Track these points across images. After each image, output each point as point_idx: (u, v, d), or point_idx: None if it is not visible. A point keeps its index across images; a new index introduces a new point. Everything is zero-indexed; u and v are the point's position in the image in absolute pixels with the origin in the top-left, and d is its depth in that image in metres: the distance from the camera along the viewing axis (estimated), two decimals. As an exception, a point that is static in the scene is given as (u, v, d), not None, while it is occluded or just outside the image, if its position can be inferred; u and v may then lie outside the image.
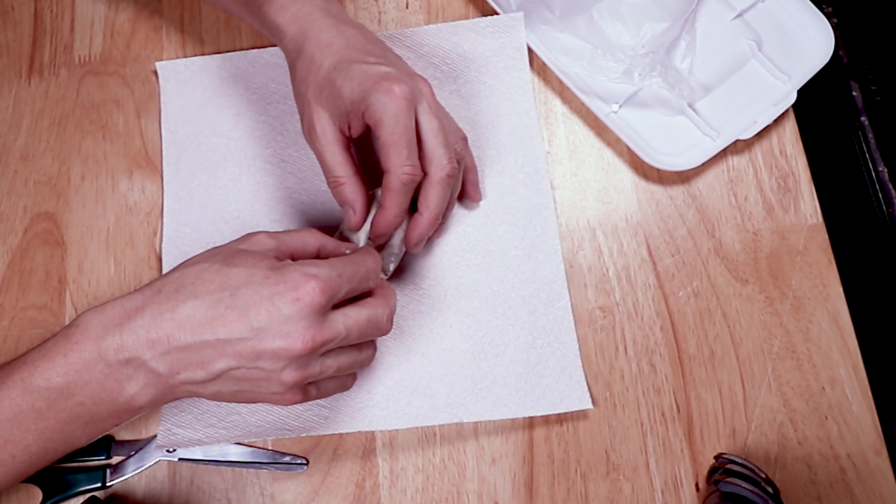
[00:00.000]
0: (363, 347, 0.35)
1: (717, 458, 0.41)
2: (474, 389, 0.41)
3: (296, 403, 0.33)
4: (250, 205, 0.44)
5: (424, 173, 0.37)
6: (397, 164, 0.36)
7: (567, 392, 0.41)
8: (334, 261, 0.33)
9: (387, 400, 0.41)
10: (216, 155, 0.45)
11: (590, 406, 0.41)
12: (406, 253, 0.41)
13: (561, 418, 0.42)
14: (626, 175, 0.47)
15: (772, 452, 0.41)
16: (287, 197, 0.45)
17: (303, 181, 0.45)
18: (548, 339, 0.42)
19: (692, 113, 0.46)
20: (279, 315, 0.30)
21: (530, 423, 0.42)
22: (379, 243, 0.40)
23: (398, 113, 0.35)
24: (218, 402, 0.41)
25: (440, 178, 0.37)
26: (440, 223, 0.40)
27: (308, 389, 0.33)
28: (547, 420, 0.42)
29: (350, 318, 0.32)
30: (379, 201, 0.39)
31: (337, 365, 0.33)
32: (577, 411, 0.42)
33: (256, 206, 0.44)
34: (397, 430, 0.42)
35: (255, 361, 0.30)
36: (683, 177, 0.47)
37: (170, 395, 0.32)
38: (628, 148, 0.46)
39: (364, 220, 0.38)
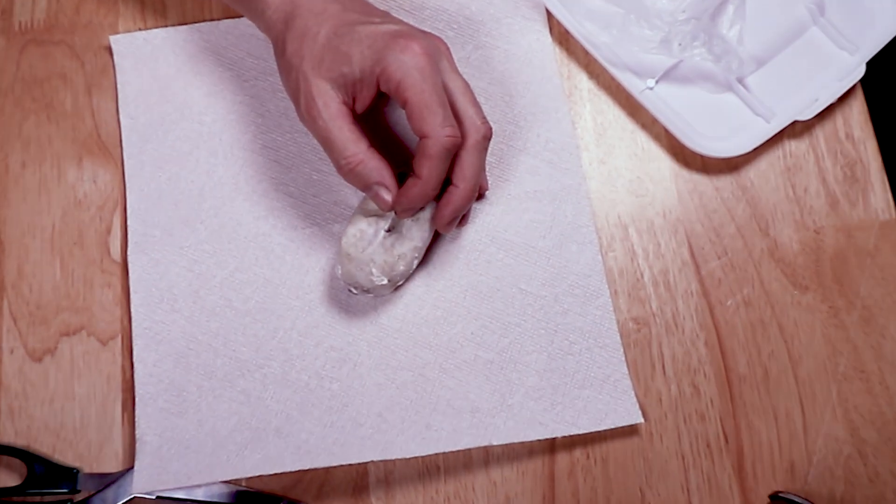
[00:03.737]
0: None
1: (772, 497, 0.41)
2: (504, 406, 0.41)
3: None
4: (229, 200, 0.44)
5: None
6: (435, 127, 0.36)
7: (613, 405, 0.41)
8: None
9: (402, 422, 0.41)
10: (186, 143, 0.45)
11: (640, 420, 0.41)
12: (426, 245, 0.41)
13: (587, 449, 0.42)
14: (663, 163, 0.46)
15: (837, 491, 0.41)
16: (272, 189, 0.44)
17: (289, 170, 0.45)
18: (587, 344, 0.42)
19: (741, 89, 0.46)
20: None
21: (551, 454, 0.42)
22: (403, 221, 0.40)
23: (423, 69, 0.36)
24: (205, 431, 0.40)
25: (476, 142, 0.38)
26: (476, 198, 0.40)
27: None
28: (570, 451, 0.42)
29: None
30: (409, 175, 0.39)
31: None
32: (607, 440, 0.42)
33: (236, 201, 0.44)
34: (394, 463, 0.41)
35: None
36: (731, 165, 0.46)
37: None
38: (666, 130, 0.45)
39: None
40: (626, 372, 0.42)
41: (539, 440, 0.41)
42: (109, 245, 0.45)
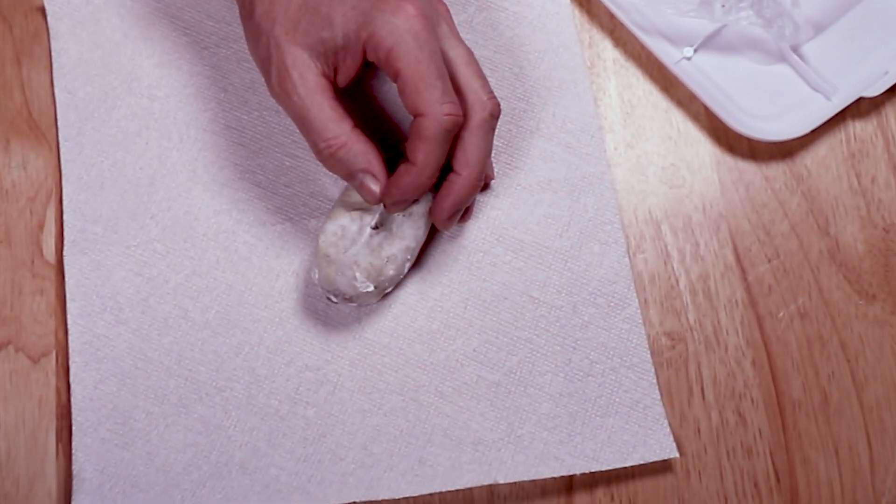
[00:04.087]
0: None
1: (833, 547, 0.39)
2: (511, 437, 0.40)
3: None
4: (185, 191, 0.43)
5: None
6: (433, 103, 0.35)
7: (642, 436, 0.40)
8: None
9: (391, 457, 0.40)
10: (134, 123, 0.44)
11: (675, 455, 0.39)
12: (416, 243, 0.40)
13: (611, 489, 0.40)
14: (703, 147, 0.45)
15: (911, 540, 0.39)
16: (237, 178, 0.43)
17: (257, 154, 0.43)
18: (611, 363, 0.41)
19: (797, 60, 0.44)
20: None
21: (568, 494, 0.40)
22: (389, 219, 0.39)
23: (418, 35, 0.34)
24: (155, 466, 0.39)
25: (482, 121, 0.36)
26: (481, 189, 0.39)
27: None
28: (591, 491, 0.40)
29: None
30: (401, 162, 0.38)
31: None
32: (635, 478, 0.40)
33: (194, 191, 0.43)
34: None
35: None
36: (785, 149, 0.44)
37: None
38: (706, 109, 0.44)
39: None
40: (658, 397, 0.40)
41: (554, 478, 0.40)
42: (42, 243, 0.43)
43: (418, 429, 0.40)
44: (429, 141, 0.35)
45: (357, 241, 0.38)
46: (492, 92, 0.37)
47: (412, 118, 0.35)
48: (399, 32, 0.34)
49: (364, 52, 0.35)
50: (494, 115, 0.37)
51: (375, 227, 0.38)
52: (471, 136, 0.36)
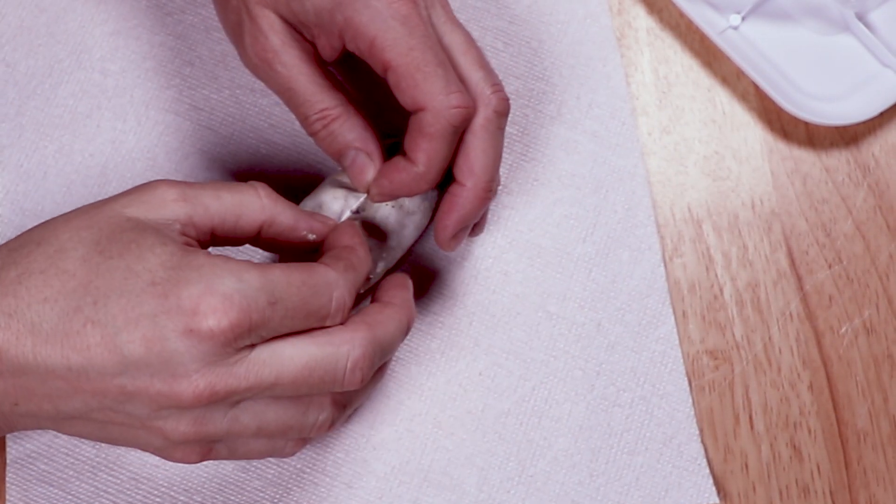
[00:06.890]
0: (312, 405, 0.33)
1: None
2: (523, 477, 0.40)
3: (192, 463, 0.33)
4: (143, 182, 0.41)
5: None
6: (436, 94, 0.33)
7: (676, 477, 0.39)
8: (276, 272, 0.31)
9: (379, 498, 0.39)
10: (84, 101, 0.43)
11: (714, 500, 0.39)
12: (406, 252, 0.40)
13: None
14: (752, 132, 0.44)
15: None
16: (203, 167, 0.42)
17: (229, 140, 0.42)
18: (641, 392, 0.40)
19: (862, 30, 0.42)
20: (163, 346, 0.30)
21: None
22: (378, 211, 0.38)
23: (407, 18, 0.33)
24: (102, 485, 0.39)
25: (486, 120, 0.35)
26: (492, 199, 0.38)
27: (214, 448, 0.33)
28: None
29: (285, 359, 0.31)
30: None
31: (257, 425, 0.32)
32: None
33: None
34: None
35: (124, 404, 0.31)
36: (848, 136, 0.44)
37: (7, 426, 0.33)
38: (756, 87, 0.43)
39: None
40: (696, 432, 0.39)
41: (571, 526, 0.39)
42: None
43: (413, 465, 0.39)
44: (434, 139, 0.34)
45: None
46: (498, 83, 0.36)
47: (412, 114, 0.34)
48: (382, 18, 0.33)
49: (342, 39, 0.34)
50: (501, 112, 0.35)
51: (356, 212, 0.37)
52: (474, 139, 0.35)
